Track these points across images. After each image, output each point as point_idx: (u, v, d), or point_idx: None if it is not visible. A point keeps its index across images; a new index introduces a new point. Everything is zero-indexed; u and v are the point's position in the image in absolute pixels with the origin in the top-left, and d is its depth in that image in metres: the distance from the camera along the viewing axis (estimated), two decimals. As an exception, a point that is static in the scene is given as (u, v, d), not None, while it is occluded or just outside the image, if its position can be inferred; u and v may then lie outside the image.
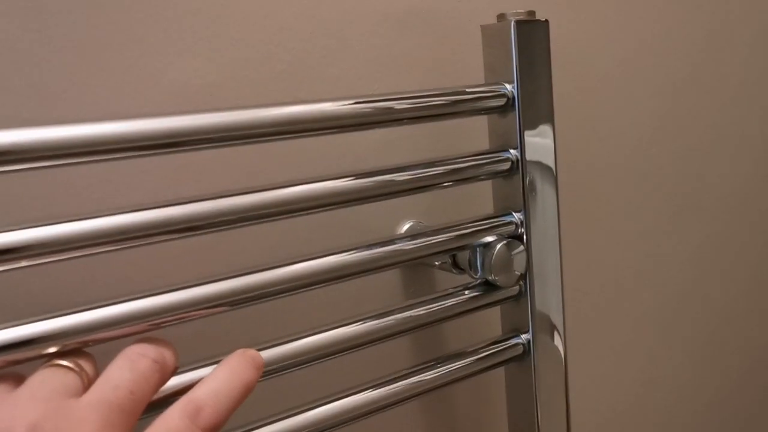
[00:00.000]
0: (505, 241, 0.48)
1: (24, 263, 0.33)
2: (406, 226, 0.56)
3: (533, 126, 0.49)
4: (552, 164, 0.50)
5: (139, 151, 0.35)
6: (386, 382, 0.46)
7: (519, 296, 0.51)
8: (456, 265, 0.51)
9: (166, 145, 0.36)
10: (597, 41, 0.68)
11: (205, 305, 0.38)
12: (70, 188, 0.43)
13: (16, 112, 0.41)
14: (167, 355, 0.35)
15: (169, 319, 0.37)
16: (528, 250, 0.50)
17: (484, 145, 0.52)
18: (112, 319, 0.35)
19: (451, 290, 0.49)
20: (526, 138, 0.49)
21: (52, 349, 0.33)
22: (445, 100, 0.46)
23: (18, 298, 0.41)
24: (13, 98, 0.41)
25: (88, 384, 0.32)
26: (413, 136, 0.56)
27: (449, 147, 0.58)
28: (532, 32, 0.48)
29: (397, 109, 0.44)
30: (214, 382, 0.34)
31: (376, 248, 0.44)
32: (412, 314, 0.46)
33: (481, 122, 0.52)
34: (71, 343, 0.34)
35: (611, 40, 0.69)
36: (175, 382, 0.37)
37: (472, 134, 0.58)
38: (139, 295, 0.36)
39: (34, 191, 0.42)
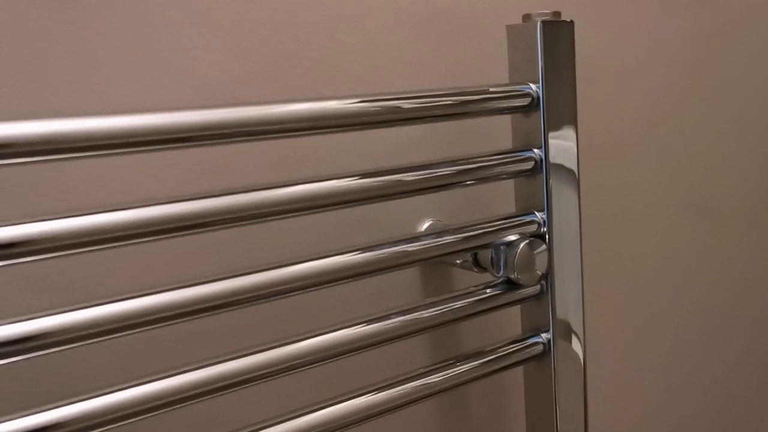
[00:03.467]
0: (528, 240, 0.48)
1: (34, 257, 0.33)
2: (425, 225, 0.56)
3: (557, 126, 0.49)
4: (574, 165, 0.50)
5: (159, 144, 0.36)
6: (404, 380, 0.46)
7: (540, 295, 0.51)
8: (477, 263, 0.51)
9: (185, 139, 0.36)
10: (618, 43, 0.68)
11: (225, 300, 0.38)
12: (86, 182, 0.43)
13: (47, 104, 0.41)
14: None
15: (188, 314, 0.37)
16: (550, 249, 0.50)
17: (507, 144, 0.52)
18: (121, 316, 0.35)
19: (472, 288, 0.49)
20: (549, 138, 0.49)
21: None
22: (469, 99, 0.46)
23: (20, 296, 0.42)
24: (44, 90, 0.41)
25: None
26: (437, 134, 0.56)
27: (473, 146, 0.58)
28: (558, 33, 0.48)
29: (420, 107, 0.44)
30: None
31: (397, 246, 0.44)
32: (432, 312, 0.46)
33: (505, 121, 0.52)
34: None
35: (633, 42, 0.69)
36: (197, 375, 0.37)
37: (496, 133, 0.58)
38: (170, 287, 0.36)
39: (51, 183, 0.42)
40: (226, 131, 0.37)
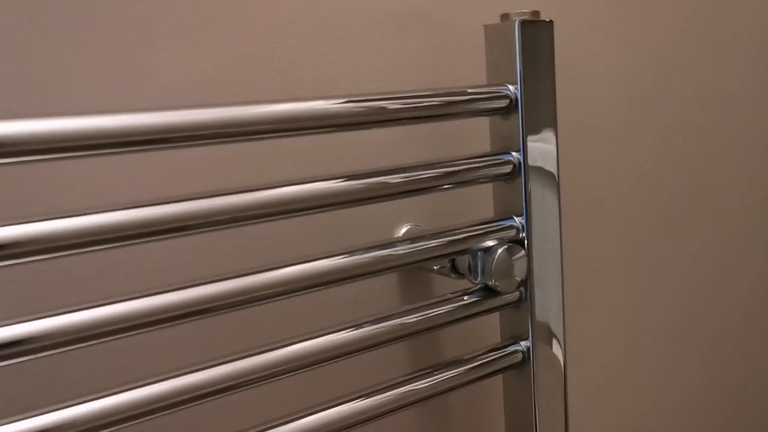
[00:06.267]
0: (506, 246, 0.47)
1: (8, 262, 0.32)
2: (403, 230, 0.55)
3: (536, 128, 0.48)
4: (554, 168, 0.50)
5: (131, 146, 0.34)
6: (382, 389, 0.45)
7: (519, 302, 0.50)
8: (455, 269, 0.50)
9: (158, 141, 0.35)
10: (599, 43, 0.67)
11: (197, 308, 0.37)
12: (60, 184, 0.42)
13: (8, 105, 0.40)
14: None
15: (160, 321, 0.35)
16: (529, 255, 0.49)
17: (486, 147, 0.51)
18: (100, 322, 0.34)
19: (449, 295, 0.48)
20: (528, 140, 0.48)
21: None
22: (447, 101, 0.46)
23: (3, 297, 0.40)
24: (5, 91, 0.40)
25: None
26: (414, 137, 0.55)
27: (451, 148, 0.57)
28: (537, 33, 0.48)
29: (397, 109, 0.43)
30: None
31: (373, 251, 0.43)
32: (410, 320, 0.45)
33: (483, 124, 0.51)
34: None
35: (613, 42, 0.69)
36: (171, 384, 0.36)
37: (474, 136, 0.57)
38: (128, 297, 0.35)
39: (20, 187, 0.41)
40: (198, 133, 0.36)
